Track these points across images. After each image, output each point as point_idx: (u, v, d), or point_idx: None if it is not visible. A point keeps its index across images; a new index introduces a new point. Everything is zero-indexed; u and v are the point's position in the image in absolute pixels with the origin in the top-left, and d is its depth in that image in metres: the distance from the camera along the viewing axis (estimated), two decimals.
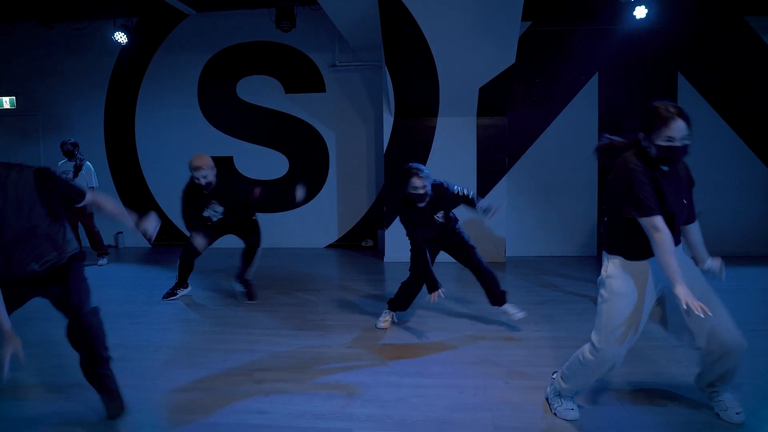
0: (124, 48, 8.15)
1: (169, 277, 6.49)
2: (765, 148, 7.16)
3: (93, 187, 7.11)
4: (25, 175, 2.51)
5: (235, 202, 5.04)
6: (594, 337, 2.63)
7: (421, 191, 4.01)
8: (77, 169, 7.02)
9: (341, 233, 8.47)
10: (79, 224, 7.22)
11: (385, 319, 4.49)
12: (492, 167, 7.10)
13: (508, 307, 4.39)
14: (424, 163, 7.08)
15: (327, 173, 8.37)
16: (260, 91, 8.29)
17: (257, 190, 5.01)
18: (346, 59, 8.05)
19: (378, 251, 7.96)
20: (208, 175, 4.91)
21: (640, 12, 6.56)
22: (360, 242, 8.43)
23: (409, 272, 4.38)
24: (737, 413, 2.69)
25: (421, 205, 4.10)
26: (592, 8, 7.02)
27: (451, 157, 7.09)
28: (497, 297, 4.38)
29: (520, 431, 2.75)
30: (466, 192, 4.26)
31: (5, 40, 8.59)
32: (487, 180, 7.10)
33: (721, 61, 7.09)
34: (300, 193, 5.01)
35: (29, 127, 8.78)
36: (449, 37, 6.00)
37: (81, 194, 2.78)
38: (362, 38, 7.21)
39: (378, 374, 3.48)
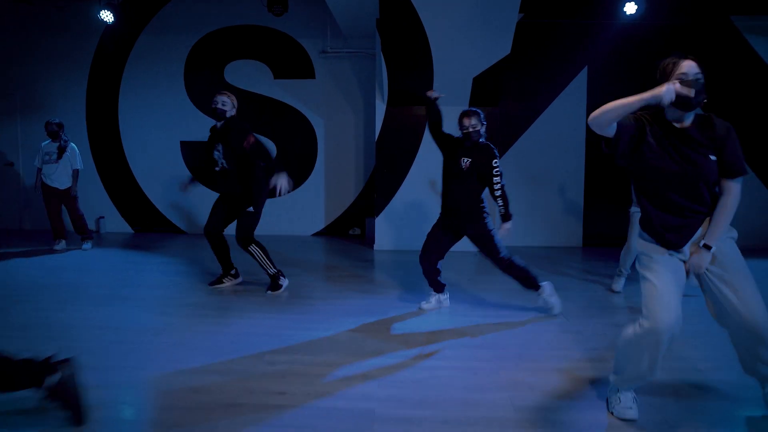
0: (108, 27, 7.97)
1: (157, 262, 6.42)
2: (747, 146, 7.40)
3: (77, 170, 6.95)
4: None
5: (229, 143, 4.78)
6: (642, 309, 2.55)
7: (471, 130, 4.21)
8: (61, 150, 6.83)
9: (328, 221, 8.45)
10: (63, 207, 7.04)
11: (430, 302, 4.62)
12: None
13: (542, 296, 4.45)
14: (415, 151, 7.16)
15: (315, 160, 8.33)
16: (249, 75, 8.19)
17: (251, 138, 4.74)
18: (337, 46, 8.02)
19: (365, 239, 7.98)
20: (226, 103, 4.75)
21: (630, 8, 6.72)
22: (347, 230, 8.42)
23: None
24: None
25: (467, 144, 4.28)
26: (583, 2, 7.13)
27: None
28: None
29: (538, 411, 2.81)
30: (499, 179, 4.27)
31: None
32: None
33: (706, 59, 7.26)
34: (281, 183, 4.64)
35: (7, 107, 8.52)
36: (447, 26, 6.03)
37: None
38: (355, 25, 7.20)
39: (390, 358, 3.50)
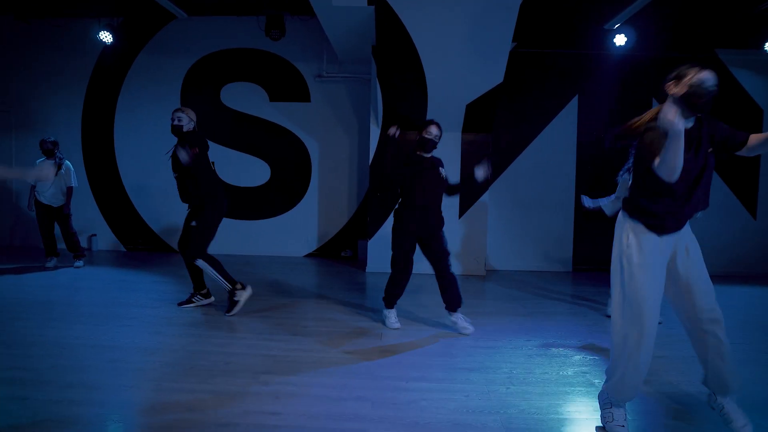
0: (106, 47, 8.06)
1: (150, 281, 6.43)
2: (729, 174, 7.58)
3: (72, 188, 6.97)
4: None
5: (178, 157, 4.78)
6: (617, 316, 2.71)
7: (435, 139, 4.56)
8: (57, 168, 6.86)
9: (320, 243, 8.49)
10: (56, 225, 7.04)
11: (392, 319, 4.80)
12: (474, 182, 7.24)
13: (458, 317, 4.64)
14: None
15: (309, 182, 8.40)
16: (245, 97, 8.29)
17: (192, 152, 4.74)
18: (332, 70, 8.15)
19: (357, 262, 8.02)
20: (181, 119, 4.91)
21: (620, 40, 6.92)
22: (339, 252, 8.47)
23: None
24: (743, 426, 2.67)
25: (427, 155, 4.63)
26: (575, 33, 7.32)
27: None
28: (452, 304, 4.65)
29: None
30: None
31: None
32: (469, 194, 7.27)
33: None
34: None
35: (2, 124, 8.54)
36: (441, 53, 6.17)
37: None
38: (351, 51, 7.33)
39: (382, 379, 3.54)
